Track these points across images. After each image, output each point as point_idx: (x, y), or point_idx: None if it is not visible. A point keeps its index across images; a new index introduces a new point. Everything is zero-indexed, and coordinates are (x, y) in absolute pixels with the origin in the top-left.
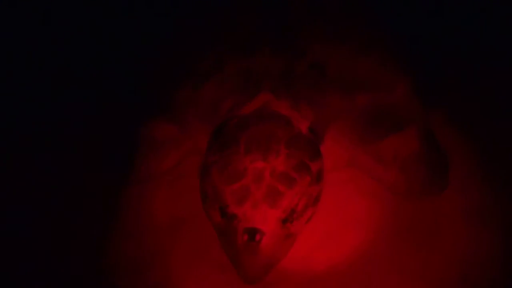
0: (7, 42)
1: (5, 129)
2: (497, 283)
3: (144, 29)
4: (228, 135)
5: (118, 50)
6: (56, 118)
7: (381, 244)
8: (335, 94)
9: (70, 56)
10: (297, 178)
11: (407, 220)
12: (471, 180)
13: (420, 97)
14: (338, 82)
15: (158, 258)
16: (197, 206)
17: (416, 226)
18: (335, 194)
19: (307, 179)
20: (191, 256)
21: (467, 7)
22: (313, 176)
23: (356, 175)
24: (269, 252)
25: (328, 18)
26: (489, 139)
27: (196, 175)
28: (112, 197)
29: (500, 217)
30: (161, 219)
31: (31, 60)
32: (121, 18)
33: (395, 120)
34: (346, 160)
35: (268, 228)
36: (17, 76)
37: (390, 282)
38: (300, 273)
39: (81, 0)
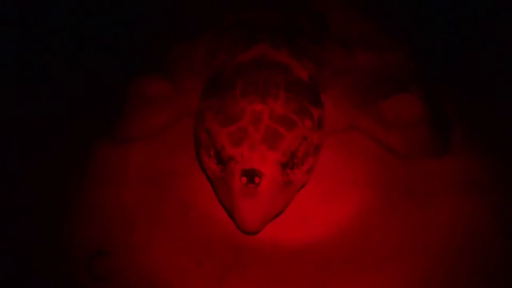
0: None
1: None
2: (494, 252)
3: None
4: (224, 80)
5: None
6: (44, 71)
7: (379, 206)
8: (336, 49)
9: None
10: (298, 121)
11: (405, 183)
12: (469, 147)
13: (423, 61)
14: (340, 37)
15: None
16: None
17: (413, 190)
18: (333, 156)
19: (308, 123)
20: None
21: None
22: (314, 121)
23: (355, 137)
24: (268, 198)
25: None
26: (489, 110)
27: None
28: (88, 153)
29: (497, 188)
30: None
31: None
32: None
33: (397, 82)
34: (347, 122)
35: (267, 170)
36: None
37: (387, 245)
38: (298, 235)
39: None
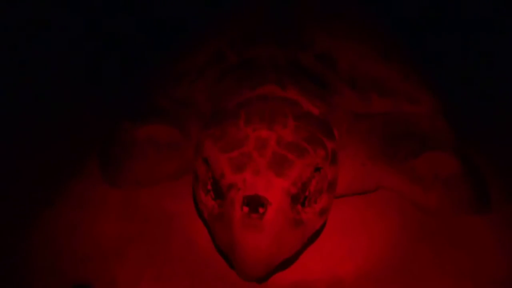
0: None
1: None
2: None
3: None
4: (227, 112)
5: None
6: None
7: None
8: (347, 91)
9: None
10: (309, 149)
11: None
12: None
13: (446, 116)
14: (350, 79)
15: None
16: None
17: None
18: (363, 212)
19: (321, 153)
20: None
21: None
22: (328, 152)
23: (385, 195)
24: (275, 233)
25: (339, 13)
26: None
27: None
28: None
29: None
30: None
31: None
32: (119, 13)
33: (424, 137)
34: (373, 181)
35: (274, 198)
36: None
37: None
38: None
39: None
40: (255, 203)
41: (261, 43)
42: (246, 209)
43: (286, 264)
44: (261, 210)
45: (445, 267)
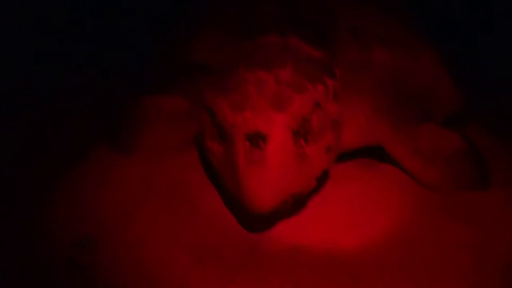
0: None
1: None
2: None
3: None
4: (228, 60)
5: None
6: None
7: (414, 225)
8: (348, 38)
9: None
10: (309, 85)
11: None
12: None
13: (451, 73)
14: (351, 28)
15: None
16: None
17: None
18: (366, 187)
19: (321, 88)
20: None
21: None
22: (328, 88)
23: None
24: (278, 165)
25: None
26: None
27: None
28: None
29: None
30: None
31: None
32: None
33: (430, 99)
34: (373, 137)
35: (274, 133)
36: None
37: (422, 263)
38: (324, 245)
39: None
40: (256, 138)
41: None
42: (248, 144)
43: (293, 208)
44: (262, 144)
45: (444, 239)
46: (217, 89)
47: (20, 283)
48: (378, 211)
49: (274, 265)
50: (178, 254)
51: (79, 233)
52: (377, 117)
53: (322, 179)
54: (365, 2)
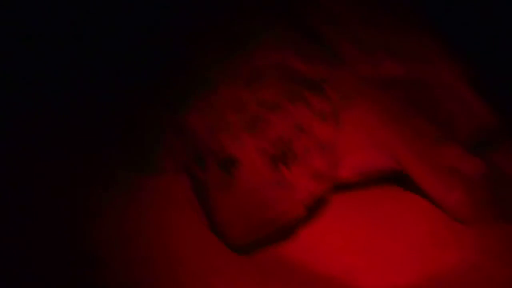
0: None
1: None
2: None
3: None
4: (214, 79)
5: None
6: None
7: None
8: (353, 51)
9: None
10: (291, 108)
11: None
12: None
13: (475, 89)
14: (356, 39)
15: None
16: None
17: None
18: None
19: (303, 110)
20: None
21: None
22: (314, 110)
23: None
24: (249, 192)
25: None
26: None
27: None
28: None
29: None
30: None
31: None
32: None
33: (448, 119)
34: (386, 157)
35: (247, 159)
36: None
37: None
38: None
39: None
40: (228, 164)
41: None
42: (218, 171)
43: (280, 235)
44: (233, 170)
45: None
46: (198, 111)
47: None
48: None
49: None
50: None
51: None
52: (387, 130)
53: (316, 207)
54: (374, 10)
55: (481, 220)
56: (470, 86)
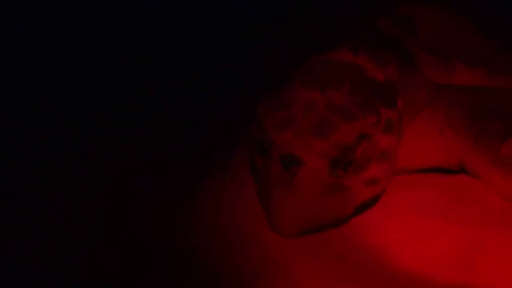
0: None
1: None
2: None
3: None
4: (289, 75)
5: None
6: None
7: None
8: (426, 57)
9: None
10: (358, 114)
11: None
12: None
13: None
14: (430, 44)
15: None
16: None
17: None
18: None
19: (372, 119)
20: None
21: None
22: (380, 120)
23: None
24: (306, 194)
25: None
26: None
27: None
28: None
29: None
30: None
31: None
32: None
33: None
34: (455, 157)
35: (309, 159)
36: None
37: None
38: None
39: None
40: (290, 162)
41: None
42: (279, 166)
43: (326, 227)
44: (294, 169)
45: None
46: (268, 103)
47: None
48: (449, 224)
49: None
50: None
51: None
52: (453, 131)
53: (364, 207)
54: (449, 16)
55: None
56: None
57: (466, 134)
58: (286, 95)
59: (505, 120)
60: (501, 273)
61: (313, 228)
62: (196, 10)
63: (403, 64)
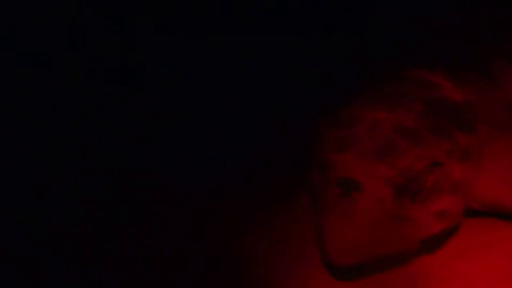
0: None
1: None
2: None
3: None
4: (358, 91)
5: None
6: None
7: None
8: (507, 71)
9: None
10: (430, 139)
11: None
12: None
13: None
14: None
15: None
16: None
17: None
18: None
19: (445, 146)
20: None
21: None
22: (456, 147)
23: None
24: (366, 223)
25: None
26: None
27: None
28: None
29: None
30: None
31: None
32: None
33: None
34: None
35: (371, 185)
36: None
37: None
38: None
39: None
40: (349, 186)
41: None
42: (338, 189)
43: (388, 264)
44: (354, 194)
45: None
46: (331, 119)
47: None
48: None
49: None
50: None
51: None
52: None
53: (432, 244)
54: None
55: None
56: None
57: None
58: (351, 113)
59: None
60: None
61: (370, 262)
62: None
63: (486, 82)
